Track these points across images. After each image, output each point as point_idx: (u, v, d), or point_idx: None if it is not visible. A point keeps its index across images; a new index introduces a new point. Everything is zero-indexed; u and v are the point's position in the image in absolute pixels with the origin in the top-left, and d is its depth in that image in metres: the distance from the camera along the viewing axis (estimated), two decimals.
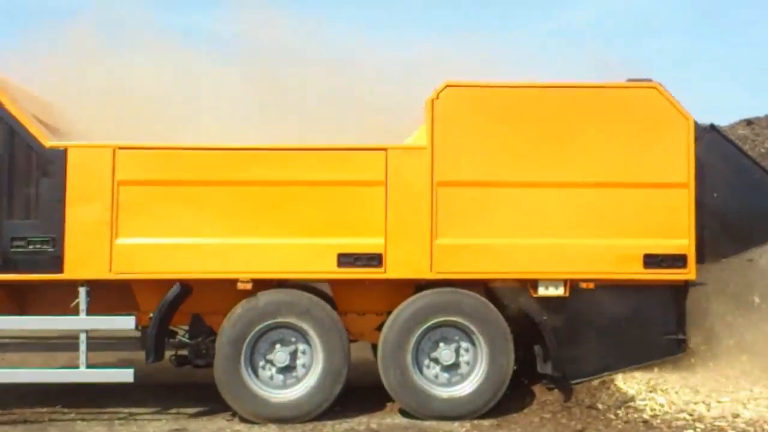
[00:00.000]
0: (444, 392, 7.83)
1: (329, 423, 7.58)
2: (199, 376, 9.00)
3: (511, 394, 7.91)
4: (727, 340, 8.52)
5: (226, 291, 7.91)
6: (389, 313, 8.00)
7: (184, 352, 8.19)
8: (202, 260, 7.79)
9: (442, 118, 7.91)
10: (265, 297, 7.86)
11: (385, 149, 7.92)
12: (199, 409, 8.17)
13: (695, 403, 7.60)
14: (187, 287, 7.92)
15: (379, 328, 8.05)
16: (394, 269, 7.81)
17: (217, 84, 10.23)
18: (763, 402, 7.60)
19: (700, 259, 7.98)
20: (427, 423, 7.54)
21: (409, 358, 7.81)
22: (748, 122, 13.96)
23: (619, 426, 7.29)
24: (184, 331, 8.22)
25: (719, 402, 7.61)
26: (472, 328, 7.84)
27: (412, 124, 8.45)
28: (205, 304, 8.11)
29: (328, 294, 8.28)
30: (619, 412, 7.58)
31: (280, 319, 7.87)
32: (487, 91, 8.05)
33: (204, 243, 7.80)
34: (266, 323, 7.85)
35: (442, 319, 7.86)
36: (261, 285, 7.89)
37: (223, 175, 7.88)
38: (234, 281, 7.80)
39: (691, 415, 7.39)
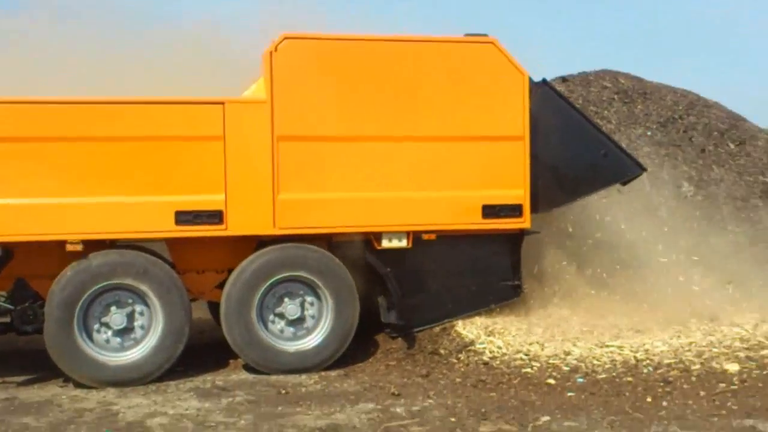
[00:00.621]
0: (290, 346, 7.83)
1: (173, 383, 7.44)
2: (22, 343, 8.64)
3: (356, 345, 8.00)
4: (558, 285, 8.96)
5: (53, 253, 7.55)
6: (230, 270, 7.90)
7: (6, 319, 7.77)
8: (26, 221, 7.38)
9: (281, 71, 7.81)
10: (97, 258, 7.56)
11: (222, 103, 7.74)
12: (29, 377, 7.82)
13: (530, 344, 7.95)
14: (9, 251, 7.51)
15: (220, 286, 7.93)
16: (235, 226, 7.70)
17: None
18: (590, 340, 8.03)
19: (534, 208, 8.30)
20: (274, 377, 7.54)
21: (253, 314, 7.75)
22: (563, 79, 14.55)
23: (462, 369, 7.54)
24: (4, 297, 7.79)
25: (552, 342, 7.99)
26: (317, 282, 7.86)
27: (251, 77, 8.32)
28: (30, 268, 7.71)
29: (161, 254, 8.05)
30: (460, 356, 7.84)
31: (115, 281, 7.59)
32: (326, 43, 8.01)
33: (27, 203, 7.39)
34: (100, 285, 7.55)
35: (286, 274, 7.83)
36: (92, 246, 7.57)
37: (49, 131, 7.47)
38: (62, 243, 7.45)
39: (527, 355, 7.73)
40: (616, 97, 15.85)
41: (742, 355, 7.43)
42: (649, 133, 14.91)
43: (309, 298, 7.93)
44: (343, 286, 7.89)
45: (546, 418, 5.95)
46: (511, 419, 5.96)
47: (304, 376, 7.56)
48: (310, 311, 7.92)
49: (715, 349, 7.64)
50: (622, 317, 8.62)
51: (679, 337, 8.01)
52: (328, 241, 8.13)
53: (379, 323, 8.36)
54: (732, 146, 15.21)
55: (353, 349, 7.98)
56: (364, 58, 8.02)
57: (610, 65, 17.91)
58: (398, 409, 6.36)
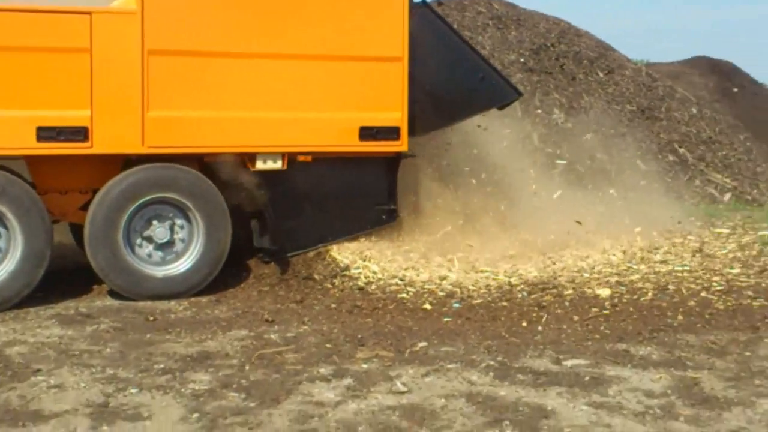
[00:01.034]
0: (159, 271, 7.52)
1: (32, 310, 7.05)
2: None
3: (227, 270, 7.77)
4: (433, 210, 8.91)
5: None
6: (95, 191, 7.51)
7: None
8: None
9: None
10: None
11: (89, 13, 7.23)
12: None
13: (405, 269, 7.90)
14: None
15: (84, 207, 7.55)
16: (101, 144, 7.28)
17: None
18: (465, 265, 8.04)
19: (412, 132, 8.17)
20: (141, 303, 7.25)
21: (120, 237, 7.39)
22: (439, 3, 14.42)
23: (336, 294, 7.42)
24: None
25: (427, 267, 7.96)
26: (188, 204, 7.55)
27: None
28: None
29: (20, 173, 7.58)
30: (335, 281, 7.71)
31: None
32: None
33: None
34: None
35: (155, 195, 7.48)
36: None
37: None
38: None
39: (402, 280, 7.68)
40: (490, 22, 15.87)
41: (612, 280, 7.56)
42: (522, 60, 15.01)
43: (179, 221, 7.62)
44: (214, 209, 7.60)
45: (423, 343, 5.90)
46: (388, 345, 5.88)
47: (173, 303, 7.29)
48: (179, 234, 7.63)
49: (586, 275, 7.76)
50: (496, 243, 8.65)
51: (552, 263, 8.10)
52: (200, 162, 7.81)
53: (252, 247, 8.14)
54: (601, 75, 15.47)
55: (224, 274, 7.74)
56: None
57: None
58: (272, 336, 6.20)
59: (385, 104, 8.03)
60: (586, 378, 5.09)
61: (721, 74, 22.91)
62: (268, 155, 7.79)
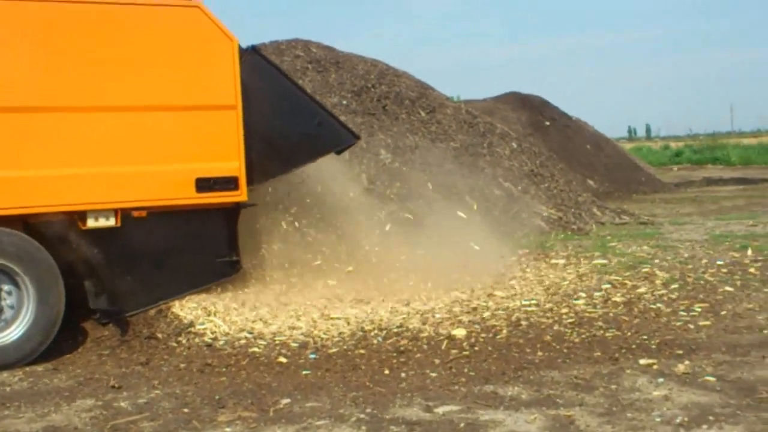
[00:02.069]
0: None
1: None
2: None
3: (62, 336, 7.25)
4: (277, 259, 8.70)
5: None
6: None
7: None
8: None
9: None
10: None
11: None
12: None
13: (253, 321, 7.62)
14: None
15: None
16: None
17: None
18: (314, 312, 7.85)
19: (250, 180, 7.94)
20: None
21: None
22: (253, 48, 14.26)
23: (184, 353, 7.06)
24: None
25: (275, 318, 7.71)
26: (16, 269, 7.01)
27: None
28: None
29: None
30: (180, 339, 7.34)
31: None
32: (14, 4, 7.15)
33: None
34: None
35: None
36: None
37: None
38: None
39: (251, 333, 7.40)
40: (309, 66, 15.82)
41: (464, 319, 7.54)
42: (344, 102, 15.03)
43: (6, 287, 7.06)
44: (45, 272, 7.09)
45: (286, 400, 5.65)
46: (249, 405, 5.60)
47: (6, 374, 6.71)
48: (8, 301, 7.06)
49: (437, 315, 7.72)
50: (343, 288, 8.52)
51: (403, 304, 8.03)
52: (24, 223, 7.28)
53: (87, 309, 7.64)
54: (423, 114, 15.69)
55: (59, 340, 7.22)
56: (58, 22, 7.26)
57: (300, 34, 17.80)
58: (122, 404, 5.79)
59: (221, 154, 7.79)
60: (462, 425, 4.99)
61: (532, 108, 23.86)
62: (99, 212, 7.37)
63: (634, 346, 6.58)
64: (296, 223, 9.28)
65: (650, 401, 5.29)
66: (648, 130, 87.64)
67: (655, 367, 6.03)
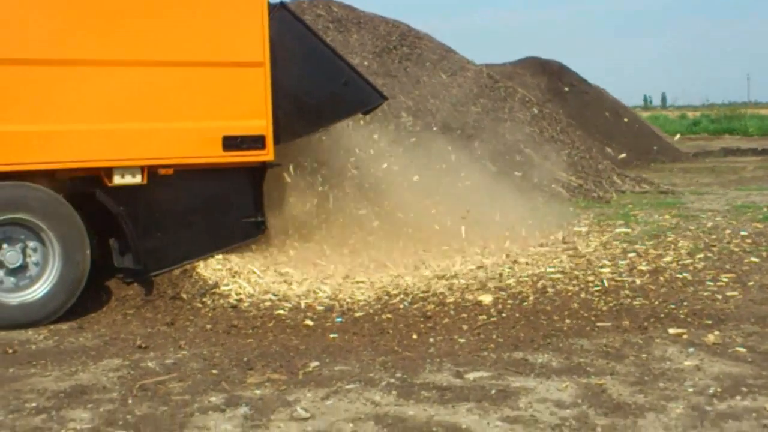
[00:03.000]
0: (12, 298, 6.91)
1: None
2: None
3: (86, 294, 7.23)
4: (301, 220, 8.65)
5: None
6: None
7: None
8: None
9: None
10: None
11: None
12: None
13: (278, 284, 7.61)
14: None
15: None
16: None
17: None
18: (339, 276, 7.83)
19: (277, 139, 7.87)
20: None
21: None
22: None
23: (209, 314, 7.04)
24: None
25: (301, 280, 7.69)
26: (41, 225, 6.97)
27: None
28: None
29: None
30: (205, 299, 7.33)
31: None
32: None
33: None
34: None
35: (4, 217, 6.87)
36: None
37: None
38: None
39: (276, 295, 7.38)
40: (331, 26, 15.68)
41: (490, 285, 7.51)
42: (365, 63, 14.88)
43: (32, 243, 7.02)
44: (71, 229, 7.06)
45: (315, 363, 5.63)
46: (278, 367, 5.58)
47: (31, 332, 6.72)
48: (33, 258, 7.03)
49: (462, 281, 7.68)
50: (368, 251, 8.49)
51: (427, 269, 7.99)
52: (52, 178, 7.24)
53: (111, 268, 7.62)
54: (445, 77, 15.57)
55: (84, 298, 7.20)
56: None
57: None
58: (150, 364, 5.77)
59: (248, 112, 7.70)
60: (493, 391, 4.96)
61: (551, 74, 23.65)
62: (125, 169, 7.31)
63: (662, 316, 6.53)
64: (321, 187, 9.20)
65: (681, 371, 5.26)
66: (663, 98, 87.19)
67: (684, 336, 5.99)
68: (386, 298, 7.22)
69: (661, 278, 7.73)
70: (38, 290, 6.99)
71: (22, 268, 6.99)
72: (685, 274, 7.88)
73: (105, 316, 7.17)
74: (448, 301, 7.06)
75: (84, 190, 7.26)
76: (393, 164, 11.63)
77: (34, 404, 5.00)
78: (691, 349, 5.69)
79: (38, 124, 6.99)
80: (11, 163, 6.87)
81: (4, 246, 6.93)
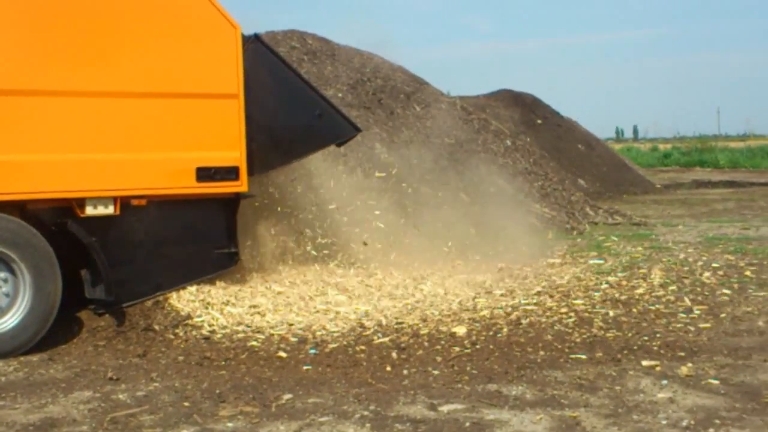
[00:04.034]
0: None
1: None
2: None
3: (57, 325, 7.15)
4: (272, 251, 8.63)
5: None
6: None
7: None
8: None
9: None
10: None
11: None
12: None
13: (251, 315, 7.56)
14: None
15: None
16: None
17: None
18: (311, 307, 7.79)
19: (250, 171, 7.87)
20: None
21: None
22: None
23: (182, 345, 6.99)
24: None
25: (273, 312, 7.65)
26: (12, 255, 6.90)
27: None
28: None
29: None
30: (177, 331, 7.28)
31: None
32: None
33: None
34: None
35: None
36: None
37: None
38: None
39: (249, 326, 7.34)
40: (305, 57, 15.73)
41: (465, 316, 7.50)
42: (340, 95, 14.92)
43: (2, 274, 6.95)
44: (42, 260, 7.00)
45: (288, 395, 5.59)
46: (250, 399, 5.53)
47: (0, 363, 6.64)
48: (3, 289, 6.96)
49: (435, 312, 7.67)
50: (341, 282, 8.46)
51: (401, 300, 7.98)
52: (21, 209, 7.18)
53: (82, 299, 7.55)
54: (418, 109, 15.64)
55: (54, 329, 7.12)
56: (58, 4, 7.16)
57: (295, 25, 17.72)
58: (121, 396, 5.71)
59: (222, 143, 7.72)
60: (467, 424, 4.94)
61: (524, 106, 23.83)
62: (98, 200, 7.29)
63: (635, 347, 6.54)
64: (292, 218, 9.20)
65: (655, 403, 5.26)
66: (636, 131, 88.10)
67: (658, 368, 6.00)
68: (360, 329, 7.19)
69: (634, 310, 7.76)
70: (8, 321, 6.92)
71: None
72: (658, 306, 7.92)
73: (76, 348, 7.10)
74: (422, 332, 7.05)
75: (56, 220, 7.21)
76: (364, 196, 11.66)
77: None
78: (665, 381, 5.71)
79: (10, 153, 6.96)
80: None
81: None
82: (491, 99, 24.20)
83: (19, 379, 6.25)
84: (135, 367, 6.46)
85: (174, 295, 7.71)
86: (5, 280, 6.97)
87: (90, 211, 7.24)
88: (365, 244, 9.79)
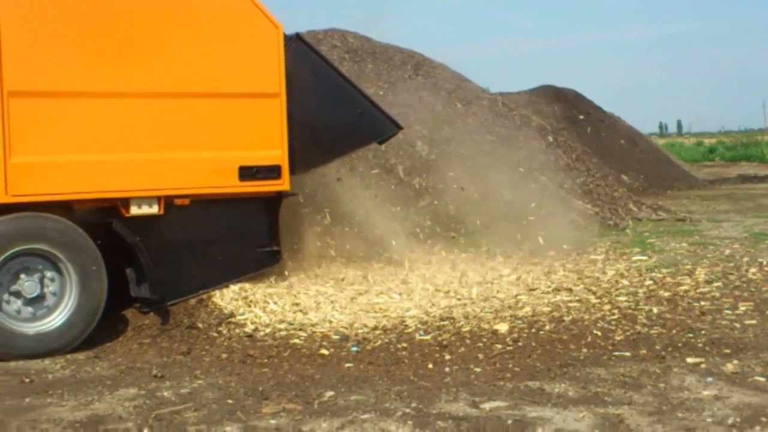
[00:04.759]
0: (29, 328, 6.95)
1: None
2: None
3: (102, 323, 7.25)
4: (314, 250, 8.67)
5: None
6: None
7: None
8: None
9: (6, 18, 6.87)
10: None
11: None
12: None
13: (294, 312, 7.61)
14: None
15: None
16: None
17: None
18: (353, 306, 7.82)
19: (292, 169, 7.92)
20: (13, 363, 6.67)
21: None
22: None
23: (225, 343, 7.05)
24: None
25: (316, 310, 7.69)
26: (59, 255, 7.01)
27: None
28: None
29: None
30: (220, 329, 7.34)
31: None
32: None
33: None
34: None
35: (22, 247, 6.92)
36: None
37: None
38: None
39: (291, 324, 7.38)
40: (346, 56, 15.78)
41: (506, 314, 7.48)
42: (381, 93, 14.95)
43: (49, 274, 7.06)
44: (87, 259, 7.10)
45: (330, 392, 5.61)
46: (293, 397, 5.57)
47: (47, 361, 6.74)
48: (50, 288, 7.07)
49: (477, 309, 7.66)
50: (382, 280, 8.48)
51: (443, 298, 7.98)
52: (68, 209, 7.29)
53: (127, 298, 7.65)
54: (460, 106, 15.61)
55: (100, 328, 7.23)
56: (104, 6, 7.25)
57: (337, 24, 17.77)
58: (165, 393, 5.78)
59: (264, 142, 7.78)
60: (509, 421, 4.93)
61: (566, 102, 23.66)
62: (143, 200, 7.37)
63: (680, 344, 6.48)
64: (335, 215, 9.24)
65: (700, 401, 5.21)
66: (679, 126, 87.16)
67: (703, 366, 5.94)
68: (402, 327, 7.20)
69: (679, 307, 7.69)
70: (55, 320, 7.03)
71: (40, 297, 7.03)
72: (703, 303, 7.83)
73: (121, 345, 7.19)
74: (463, 329, 7.04)
75: (101, 220, 7.31)
76: (405, 194, 11.69)
77: None
78: (710, 379, 5.65)
79: (56, 155, 7.07)
80: (30, 194, 6.93)
81: (22, 276, 6.98)
82: (533, 95, 24.07)
83: (65, 376, 6.35)
84: (179, 365, 6.53)
85: (217, 293, 7.77)
86: (52, 279, 7.08)
87: (135, 210, 7.33)
88: (406, 242, 9.80)
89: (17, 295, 6.97)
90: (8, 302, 6.95)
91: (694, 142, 51.71)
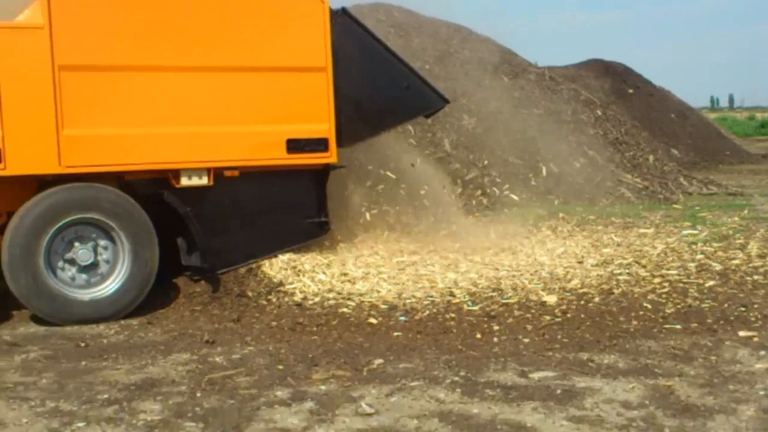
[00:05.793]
0: (84, 294, 7.10)
1: None
2: None
3: (155, 290, 7.38)
4: (362, 220, 8.71)
5: None
6: (9, 214, 7.05)
7: None
8: None
9: None
10: None
11: None
12: None
13: (342, 282, 7.66)
14: None
15: (0, 231, 7.08)
16: (15, 165, 6.86)
17: None
18: (402, 276, 7.85)
19: (339, 142, 7.96)
20: (69, 328, 6.82)
21: (41, 261, 6.94)
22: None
23: (275, 311, 7.12)
24: None
25: (364, 279, 7.73)
26: (112, 224, 7.14)
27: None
28: None
29: None
30: (270, 297, 7.42)
31: None
32: None
33: None
34: None
35: (76, 216, 7.06)
36: None
37: None
38: None
39: (340, 293, 7.43)
40: (392, 30, 15.73)
41: (554, 286, 7.46)
42: (427, 67, 14.91)
43: (102, 242, 7.20)
44: (139, 228, 7.22)
45: (379, 360, 5.66)
46: (342, 364, 5.63)
47: (102, 327, 6.89)
48: (104, 256, 7.21)
49: (525, 281, 7.65)
50: (429, 252, 8.50)
51: (490, 269, 7.98)
52: (120, 180, 7.40)
53: (179, 266, 7.76)
54: (506, 80, 15.52)
55: (153, 295, 7.36)
56: None
57: None
58: (217, 359, 5.87)
59: (311, 116, 7.83)
60: (558, 391, 4.94)
61: (614, 76, 23.41)
62: (193, 171, 7.47)
63: (732, 318, 6.42)
64: (382, 188, 9.26)
65: (752, 374, 5.17)
66: (731, 100, 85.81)
67: (755, 339, 5.89)
68: (450, 297, 7.22)
69: (731, 280, 7.60)
70: (109, 287, 7.18)
71: (94, 265, 7.18)
72: (755, 277, 7.74)
73: (173, 312, 7.31)
74: (512, 301, 7.04)
75: (152, 191, 7.41)
76: (455, 168, 11.67)
77: (105, 396, 5.12)
78: (763, 352, 5.60)
79: (110, 127, 7.19)
80: (84, 165, 7.06)
81: (76, 244, 7.12)
82: (581, 69, 23.84)
83: (120, 341, 6.47)
84: (230, 332, 6.62)
85: (266, 263, 7.86)
86: (105, 248, 7.21)
87: (185, 181, 7.43)
88: (453, 214, 9.81)
89: (72, 262, 7.12)
90: (63, 269, 7.10)
91: (746, 116, 50.93)
